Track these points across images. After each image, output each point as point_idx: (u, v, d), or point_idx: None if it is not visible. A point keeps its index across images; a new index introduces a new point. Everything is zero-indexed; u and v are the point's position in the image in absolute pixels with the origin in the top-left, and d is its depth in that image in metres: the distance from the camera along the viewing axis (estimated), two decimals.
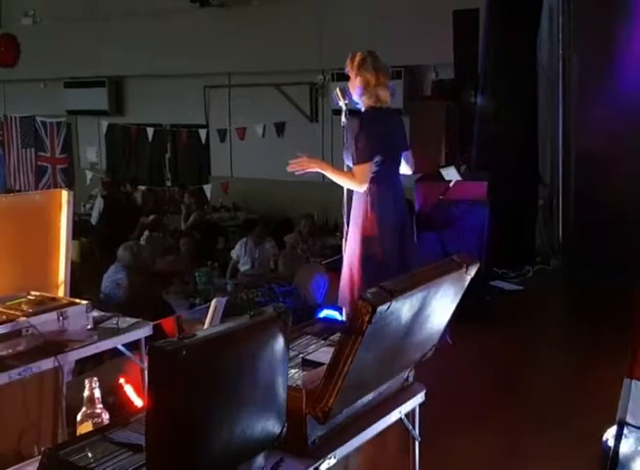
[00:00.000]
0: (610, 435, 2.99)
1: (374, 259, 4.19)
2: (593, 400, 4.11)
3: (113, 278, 6.34)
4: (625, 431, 2.79)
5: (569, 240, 7.53)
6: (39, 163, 14.72)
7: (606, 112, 6.59)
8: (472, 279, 2.32)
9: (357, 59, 4.20)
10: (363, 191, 4.18)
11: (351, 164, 4.20)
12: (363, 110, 4.23)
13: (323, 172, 4.25)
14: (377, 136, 4.14)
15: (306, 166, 4.25)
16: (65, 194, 3.61)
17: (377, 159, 4.14)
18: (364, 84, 4.16)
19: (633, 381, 2.80)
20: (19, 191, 13.06)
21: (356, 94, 4.22)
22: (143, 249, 6.82)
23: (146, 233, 9.10)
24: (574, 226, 7.42)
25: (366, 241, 4.20)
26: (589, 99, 6.87)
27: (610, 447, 2.88)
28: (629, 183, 6.56)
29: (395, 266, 4.15)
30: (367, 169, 4.12)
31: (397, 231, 4.26)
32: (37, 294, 3.18)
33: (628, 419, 2.79)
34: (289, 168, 4.25)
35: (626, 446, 2.78)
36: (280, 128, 11.31)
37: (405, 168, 4.40)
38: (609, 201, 6.61)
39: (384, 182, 4.20)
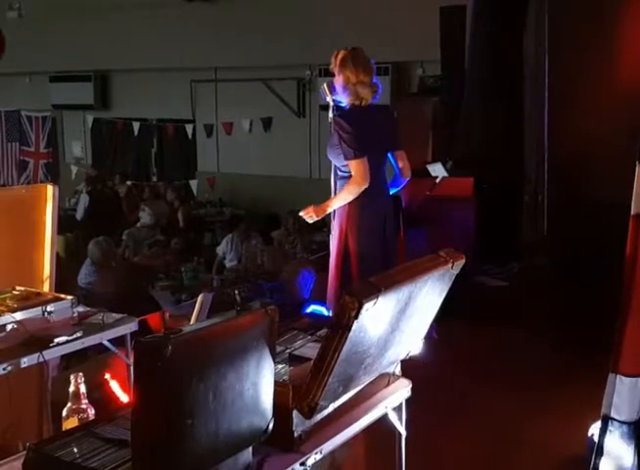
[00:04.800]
0: (595, 430, 3.01)
1: (355, 257, 4.20)
2: (578, 396, 4.13)
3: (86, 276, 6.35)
4: (610, 426, 2.81)
5: (554, 236, 7.55)
6: (22, 157, 14.61)
7: (593, 109, 6.62)
8: (457, 275, 2.33)
9: (339, 56, 4.19)
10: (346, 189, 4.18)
11: (337, 164, 4.21)
12: (346, 107, 4.23)
13: (331, 209, 4.25)
14: (357, 134, 4.12)
15: (318, 215, 4.26)
16: (50, 188, 3.59)
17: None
18: (345, 82, 4.16)
19: (618, 376, 2.82)
20: (3, 186, 12.96)
21: (339, 91, 4.22)
22: (109, 244, 6.72)
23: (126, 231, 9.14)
24: (560, 223, 7.44)
25: (347, 239, 4.20)
26: (577, 97, 6.89)
27: (595, 443, 2.90)
28: (616, 181, 6.58)
29: (377, 264, 4.15)
30: (363, 165, 4.11)
31: (379, 229, 4.25)
32: (22, 289, 3.16)
33: (613, 414, 2.82)
34: (306, 218, 4.29)
35: (611, 441, 2.80)
36: (267, 124, 11.29)
37: (399, 172, 4.38)
38: (595, 198, 6.63)
39: None
